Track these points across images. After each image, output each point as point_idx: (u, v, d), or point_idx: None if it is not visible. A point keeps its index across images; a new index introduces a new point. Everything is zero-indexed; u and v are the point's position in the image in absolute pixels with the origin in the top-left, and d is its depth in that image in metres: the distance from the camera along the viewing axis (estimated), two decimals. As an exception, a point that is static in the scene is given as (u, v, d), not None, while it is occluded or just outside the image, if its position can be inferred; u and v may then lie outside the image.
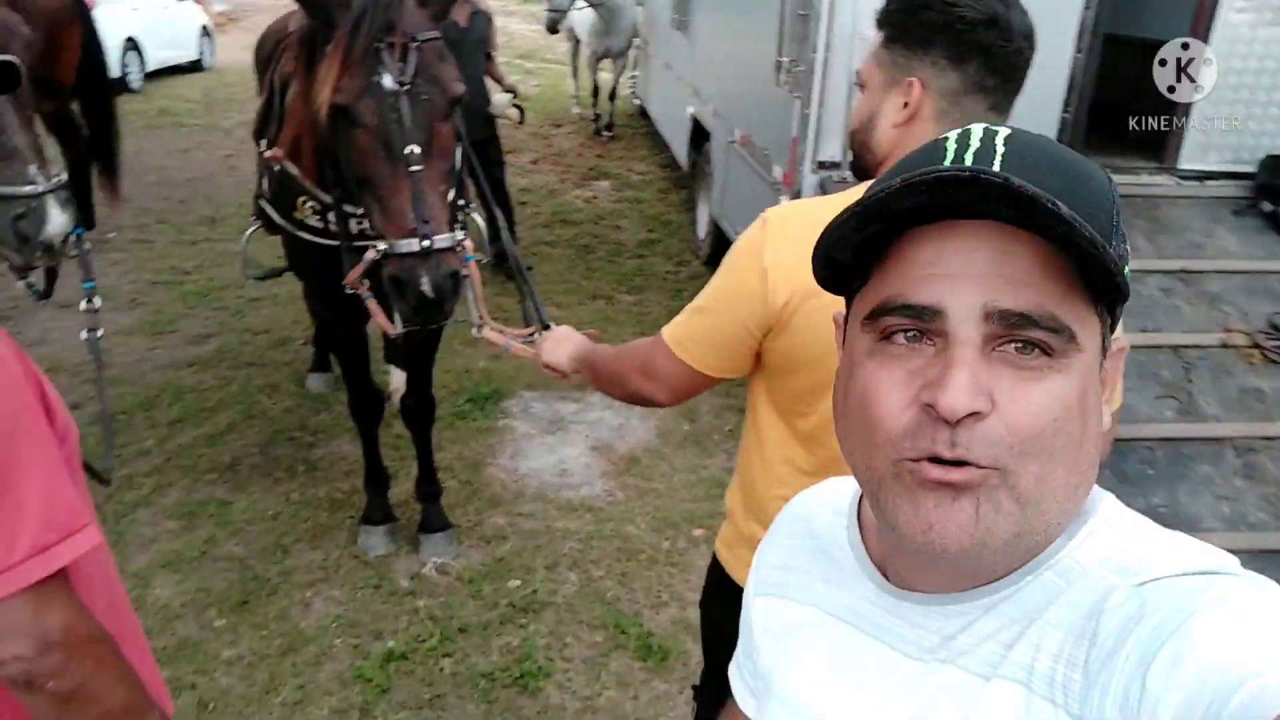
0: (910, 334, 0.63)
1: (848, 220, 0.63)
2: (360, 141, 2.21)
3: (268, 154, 2.88)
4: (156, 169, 8.17)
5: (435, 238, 2.15)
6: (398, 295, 2.24)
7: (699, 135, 6.33)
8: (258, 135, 3.21)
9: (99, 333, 2.22)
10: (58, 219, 2.31)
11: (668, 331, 1.50)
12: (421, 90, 2.20)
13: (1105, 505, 0.69)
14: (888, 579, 0.74)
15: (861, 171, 1.43)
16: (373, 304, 2.43)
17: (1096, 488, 0.68)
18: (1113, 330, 0.66)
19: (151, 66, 12.12)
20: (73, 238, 2.41)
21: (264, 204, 3.07)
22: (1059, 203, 0.55)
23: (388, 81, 2.17)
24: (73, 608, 0.93)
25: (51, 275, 2.73)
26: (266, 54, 3.54)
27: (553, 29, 9.45)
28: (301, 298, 3.60)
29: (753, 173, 4.56)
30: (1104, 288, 0.61)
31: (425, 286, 2.15)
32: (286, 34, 3.33)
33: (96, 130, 5.96)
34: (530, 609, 3.01)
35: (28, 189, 2.26)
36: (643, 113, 10.26)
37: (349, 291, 2.41)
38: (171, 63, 12.77)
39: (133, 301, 5.36)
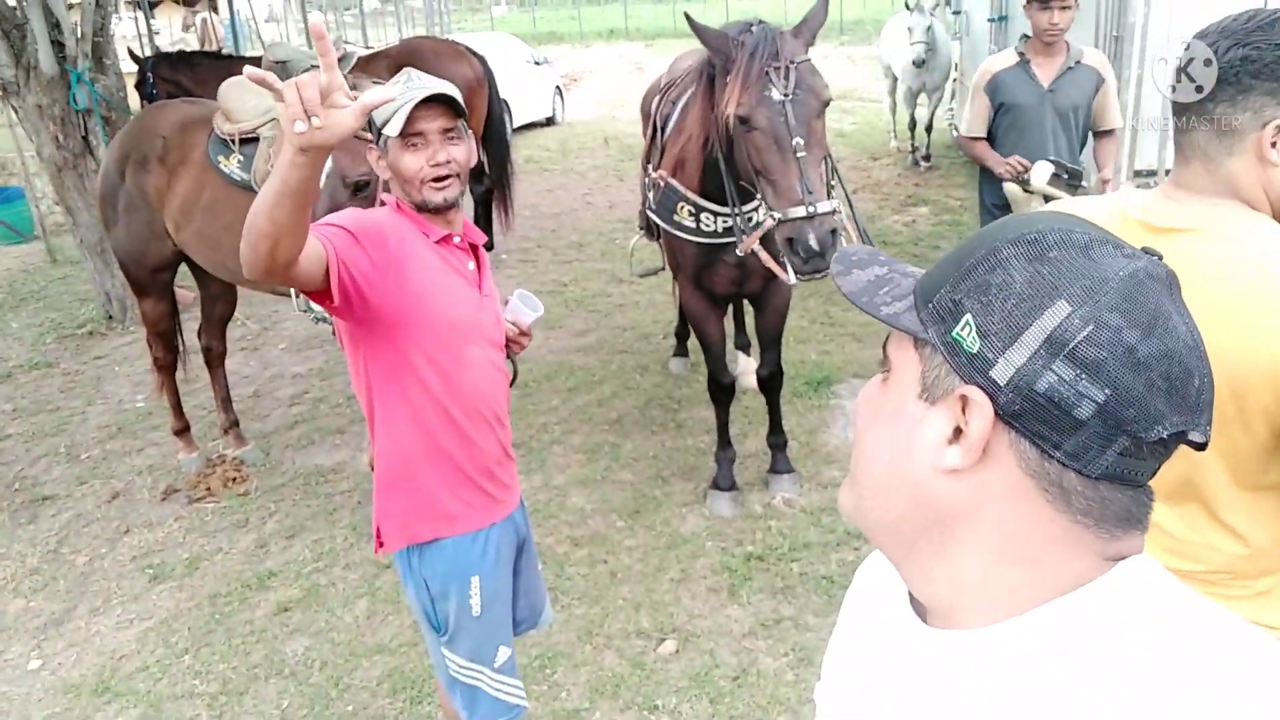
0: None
1: None
2: (757, 140, 2.95)
3: (655, 174, 3.73)
4: (530, 205, 9.70)
5: (818, 204, 2.85)
6: (790, 251, 2.94)
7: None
8: (645, 163, 4.08)
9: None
10: None
11: None
12: (800, 98, 2.91)
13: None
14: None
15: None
16: (766, 257, 3.20)
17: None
18: (965, 376, 0.69)
19: (518, 123, 14.15)
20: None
21: (650, 213, 3.89)
22: (843, 279, 0.77)
23: (775, 94, 2.90)
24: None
25: None
26: (649, 105, 4.52)
27: (920, 63, 9.63)
28: (654, 304, 4.46)
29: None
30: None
31: (812, 241, 2.84)
32: (662, 89, 4.28)
33: (497, 172, 7.42)
34: (866, 539, 3.63)
35: None
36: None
37: (740, 254, 3.25)
38: (532, 119, 14.82)
39: (526, 305, 6.63)
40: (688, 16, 3.12)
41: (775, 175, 2.92)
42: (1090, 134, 4.09)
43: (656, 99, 4.24)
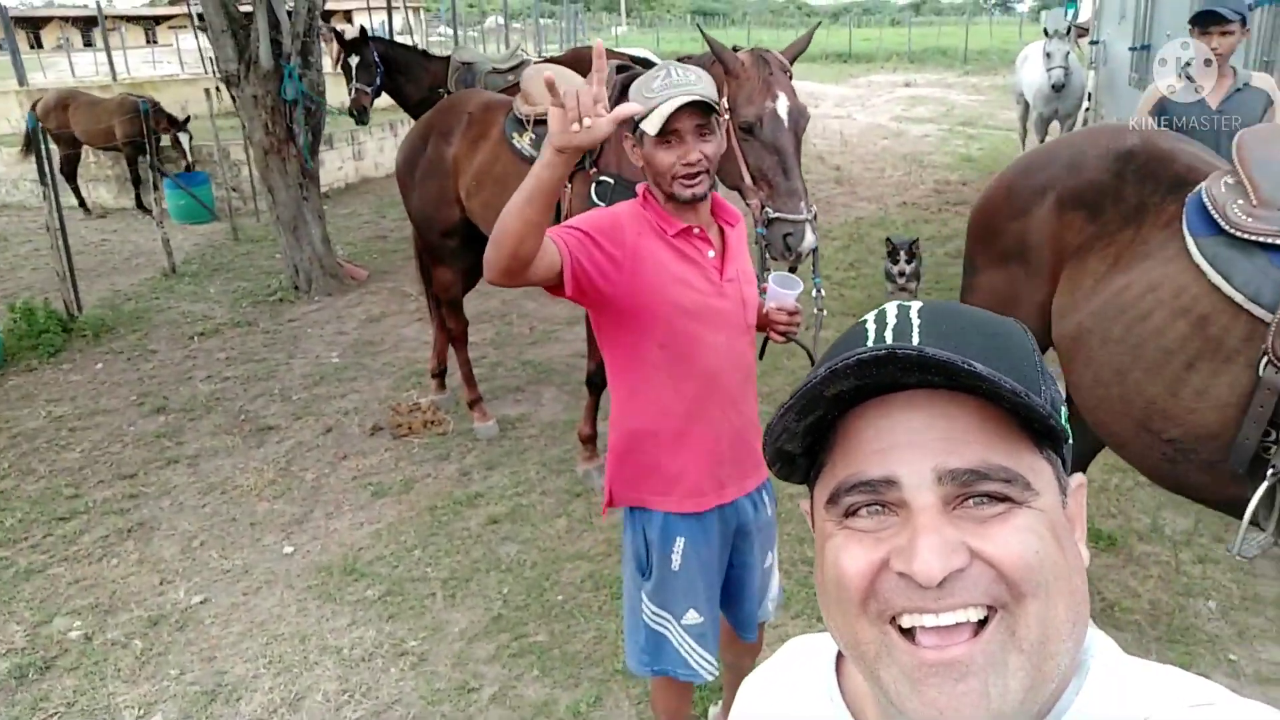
0: (872, 508, 0.64)
1: (787, 414, 0.66)
2: None
3: None
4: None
5: None
6: None
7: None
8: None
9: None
10: (810, 238, 2.95)
11: None
12: None
13: (1099, 648, 0.68)
14: None
15: None
16: None
17: (1090, 629, 0.67)
18: (1067, 470, 0.67)
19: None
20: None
21: None
22: (974, 363, 0.58)
23: None
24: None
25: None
26: None
27: (1059, 87, 9.66)
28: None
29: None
30: (1043, 432, 0.63)
31: None
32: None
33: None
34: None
35: (797, 216, 2.92)
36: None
37: None
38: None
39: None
40: None
41: None
42: None
43: None
